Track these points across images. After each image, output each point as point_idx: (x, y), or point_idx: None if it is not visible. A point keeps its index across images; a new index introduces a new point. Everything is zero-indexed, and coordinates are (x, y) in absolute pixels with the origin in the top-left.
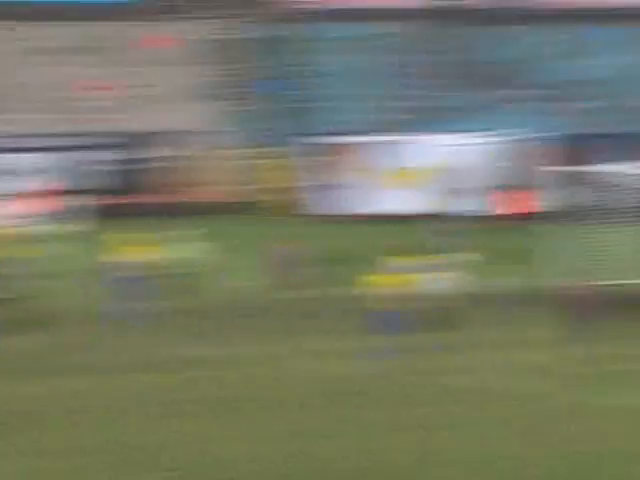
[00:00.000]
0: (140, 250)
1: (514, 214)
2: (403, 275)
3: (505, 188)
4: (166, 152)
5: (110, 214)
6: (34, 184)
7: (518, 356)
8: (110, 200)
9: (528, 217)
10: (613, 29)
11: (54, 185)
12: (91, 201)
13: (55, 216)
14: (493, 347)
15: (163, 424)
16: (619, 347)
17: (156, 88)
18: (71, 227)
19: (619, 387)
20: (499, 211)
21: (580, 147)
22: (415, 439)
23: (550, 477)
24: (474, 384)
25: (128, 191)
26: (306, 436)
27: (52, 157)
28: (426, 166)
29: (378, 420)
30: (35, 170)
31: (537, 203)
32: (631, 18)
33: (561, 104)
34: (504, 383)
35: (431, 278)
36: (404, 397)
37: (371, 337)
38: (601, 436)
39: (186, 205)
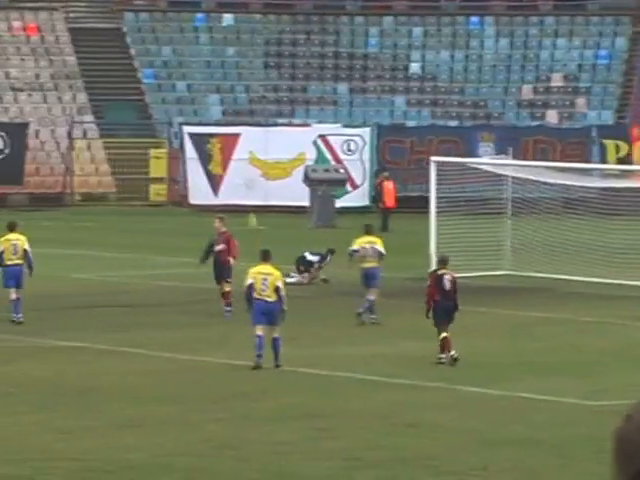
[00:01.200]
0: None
1: (386, 205)
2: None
3: (378, 178)
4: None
5: None
6: None
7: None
8: None
9: (395, 208)
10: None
11: None
12: None
13: None
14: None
15: None
16: None
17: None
18: None
19: None
20: (370, 202)
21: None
22: None
23: None
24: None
25: None
26: None
27: None
28: (294, 156)
29: None
30: None
31: (399, 194)
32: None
33: (427, 95)
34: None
35: None
36: None
37: None
38: None
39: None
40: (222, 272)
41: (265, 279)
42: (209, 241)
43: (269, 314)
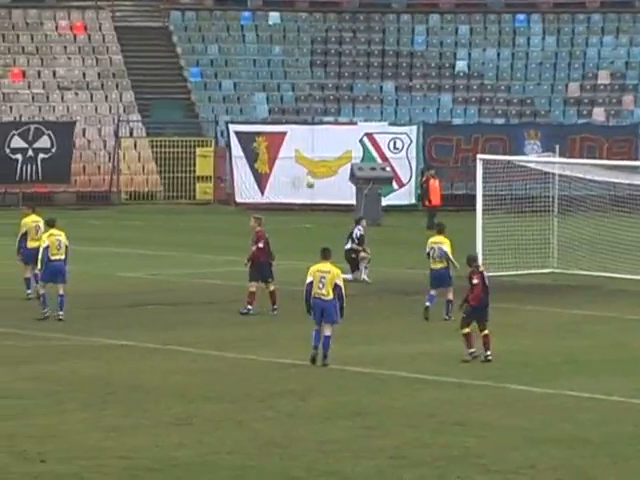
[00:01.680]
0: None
1: (432, 203)
2: None
3: (423, 177)
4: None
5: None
6: None
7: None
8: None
9: (441, 206)
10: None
11: None
12: None
13: None
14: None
15: None
16: None
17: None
18: None
19: None
20: (416, 201)
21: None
22: None
23: None
24: None
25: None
26: None
27: None
28: (341, 155)
29: None
30: None
31: (445, 192)
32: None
33: (474, 93)
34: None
35: None
36: None
37: None
38: None
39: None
40: (263, 272)
41: (323, 277)
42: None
43: (325, 312)
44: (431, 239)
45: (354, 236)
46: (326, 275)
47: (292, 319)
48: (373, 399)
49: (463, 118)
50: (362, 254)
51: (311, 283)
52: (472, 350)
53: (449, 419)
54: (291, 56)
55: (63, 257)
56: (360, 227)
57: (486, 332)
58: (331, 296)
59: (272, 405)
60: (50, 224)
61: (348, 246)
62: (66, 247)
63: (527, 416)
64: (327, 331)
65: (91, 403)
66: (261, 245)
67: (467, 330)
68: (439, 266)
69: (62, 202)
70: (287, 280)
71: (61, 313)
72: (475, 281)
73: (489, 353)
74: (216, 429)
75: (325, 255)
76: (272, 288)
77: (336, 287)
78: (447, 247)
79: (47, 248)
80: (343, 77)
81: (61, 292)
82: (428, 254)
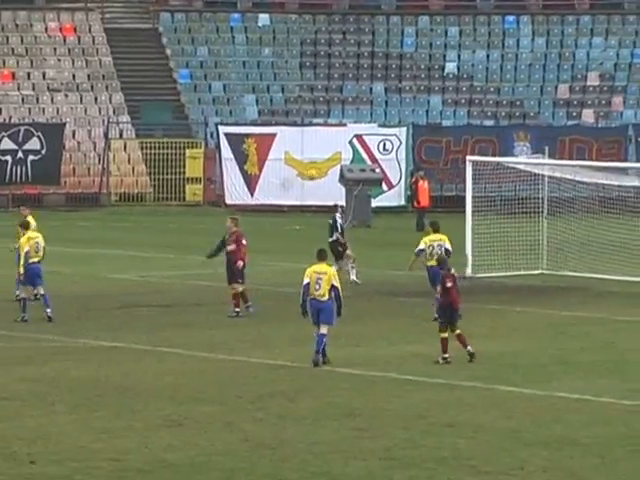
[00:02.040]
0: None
1: (421, 205)
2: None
3: (412, 178)
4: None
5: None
6: None
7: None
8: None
9: (428, 208)
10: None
11: None
12: None
13: None
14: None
15: None
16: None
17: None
18: None
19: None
20: (406, 202)
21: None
22: None
23: None
24: None
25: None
26: None
27: None
28: (330, 156)
29: None
30: None
31: (434, 194)
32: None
33: (463, 95)
34: None
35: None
36: None
37: None
38: None
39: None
40: (233, 274)
41: (319, 278)
42: (222, 238)
43: (321, 313)
44: (428, 237)
45: (337, 225)
46: (322, 276)
47: (282, 320)
48: (363, 400)
49: (452, 120)
50: (348, 252)
51: (308, 284)
52: (446, 355)
53: (439, 420)
54: (281, 58)
55: (40, 259)
56: (338, 215)
57: (458, 332)
58: (327, 297)
59: (262, 406)
60: (26, 227)
61: (333, 237)
62: (43, 248)
63: (517, 417)
64: (322, 329)
65: (81, 405)
66: (244, 242)
67: (445, 335)
68: (435, 263)
69: (52, 204)
70: (277, 281)
71: (49, 310)
72: (449, 284)
73: (469, 348)
74: (206, 431)
75: (321, 256)
76: (241, 289)
77: (333, 288)
78: (448, 244)
79: (28, 253)
80: (333, 79)
81: (42, 292)
82: (422, 251)
